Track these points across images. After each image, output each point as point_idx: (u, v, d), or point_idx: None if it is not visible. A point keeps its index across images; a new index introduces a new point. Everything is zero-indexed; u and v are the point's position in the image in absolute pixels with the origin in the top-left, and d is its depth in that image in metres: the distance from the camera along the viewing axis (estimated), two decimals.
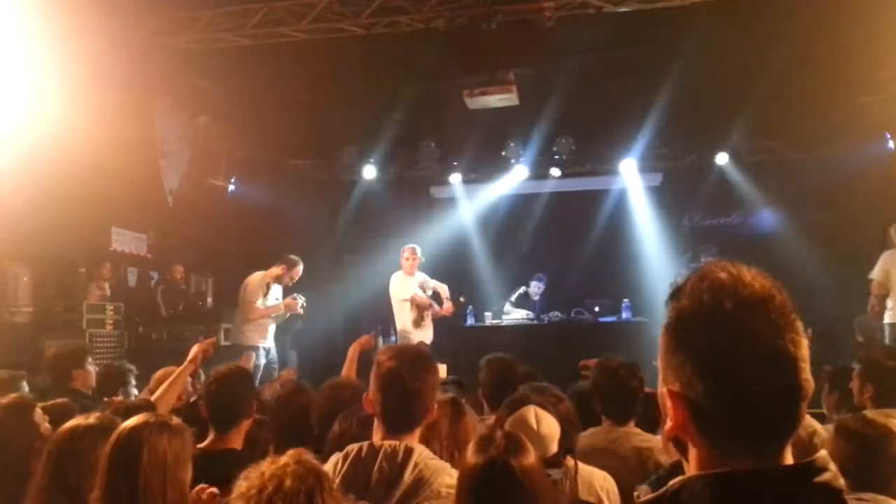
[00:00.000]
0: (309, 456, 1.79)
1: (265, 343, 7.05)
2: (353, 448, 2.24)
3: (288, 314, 7.15)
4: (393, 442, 2.22)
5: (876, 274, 6.09)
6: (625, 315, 8.93)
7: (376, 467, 2.17)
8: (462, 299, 8.61)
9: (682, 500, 1.02)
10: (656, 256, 9.59)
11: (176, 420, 2.30)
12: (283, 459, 1.74)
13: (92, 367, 4.85)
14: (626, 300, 9.07)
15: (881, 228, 6.20)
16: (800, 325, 1.03)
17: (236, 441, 3.03)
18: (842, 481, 1.00)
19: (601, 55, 7.15)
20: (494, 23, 5.49)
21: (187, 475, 2.22)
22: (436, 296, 7.77)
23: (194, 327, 8.04)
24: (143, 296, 8.78)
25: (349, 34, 6.11)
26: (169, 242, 8.72)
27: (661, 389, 1.09)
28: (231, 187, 9.21)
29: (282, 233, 8.34)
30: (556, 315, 9.27)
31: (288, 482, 1.67)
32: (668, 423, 1.07)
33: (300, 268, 7.06)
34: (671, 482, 1.06)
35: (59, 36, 5.54)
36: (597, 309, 9.26)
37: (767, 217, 9.56)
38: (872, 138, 7.90)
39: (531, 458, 1.93)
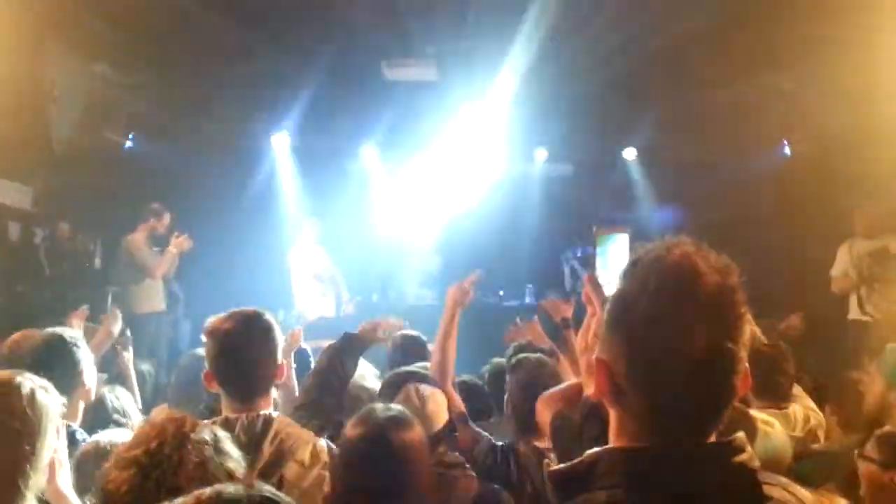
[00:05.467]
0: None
1: (160, 307, 6.74)
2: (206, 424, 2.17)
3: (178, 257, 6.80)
4: (251, 413, 2.13)
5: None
6: (528, 299, 9.10)
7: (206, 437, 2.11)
8: (359, 298, 8.55)
9: (599, 472, 1.00)
10: (562, 245, 9.81)
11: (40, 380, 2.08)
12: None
13: None
14: (529, 285, 9.26)
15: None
16: (746, 323, 0.99)
17: (70, 415, 2.79)
18: (757, 462, 1.00)
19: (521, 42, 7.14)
20: None
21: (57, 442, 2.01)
22: (333, 278, 7.66)
23: (79, 289, 7.64)
24: (25, 253, 8.21)
25: None
26: (57, 197, 8.14)
27: (595, 352, 1.06)
28: (128, 143, 8.67)
29: (181, 196, 7.94)
30: None
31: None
32: (593, 386, 1.07)
33: (167, 213, 6.79)
34: (588, 452, 1.03)
35: None
36: (501, 293, 9.38)
37: (668, 214, 9.91)
38: (771, 143, 8.31)
39: (412, 433, 1.93)
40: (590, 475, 1.01)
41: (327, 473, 2.12)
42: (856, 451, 2.48)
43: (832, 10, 5.51)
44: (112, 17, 6.24)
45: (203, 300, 8.81)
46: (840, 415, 3.37)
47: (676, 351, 0.95)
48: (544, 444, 2.62)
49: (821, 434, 3.27)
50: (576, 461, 1.04)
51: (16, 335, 3.84)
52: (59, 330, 2.95)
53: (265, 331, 2.26)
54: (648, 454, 0.98)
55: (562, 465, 1.06)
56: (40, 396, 1.99)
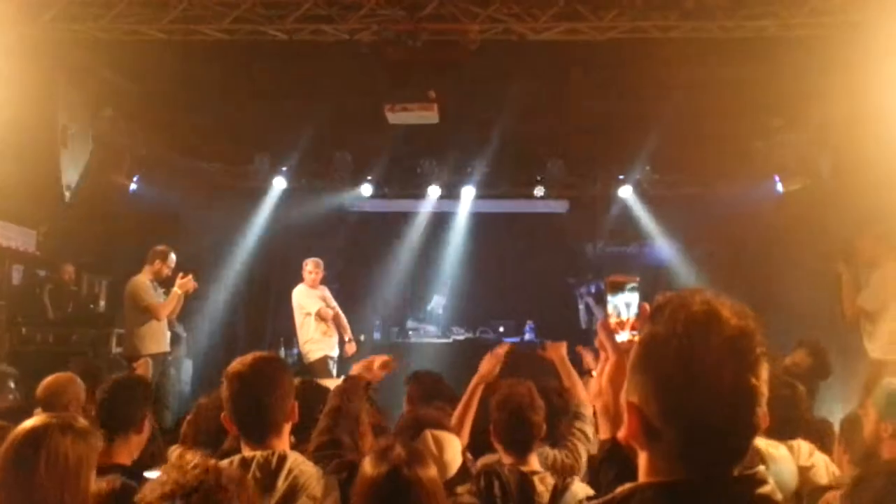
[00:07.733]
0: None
1: (164, 348, 6.78)
2: (224, 464, 2.18)
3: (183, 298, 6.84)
4: (266, 451, 2.22)
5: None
6: (528, 336, 9.15)
7: (249, 477, 2.13)
8: (363, 338, 8.56)
9: None
10: (561, 281, 9.91)
11: (82, 422, 2.18)
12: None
13: None
14: (529, 322, 9.31)
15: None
16: (765, 362, 1.06)
17: (123, 454, 2.86)
18: (779, 495, 1.07)
19: (518, 83, 7.36)
20: (420, 40, 5.53)
21: (90, 480, 2.10)
22: (336, 317, 7.66)
23: (84, 331, 7.66)
24: (28, 295, 8.24)
25: (270, 38, 5.99)
26: (62, 240, 8.22)
27: (623, 395, 1.13)
28: (133, 186, 8.80)
29: (185, 237, 8.04)
30: (460, 332, 9.42)
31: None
32: (623, 430, 1.12)
33: (172, 254, 6.80)
34: (619, 488, 1.10)
35: None
36: (501, 329, 9.44)
37: (663, 248, 10.05)
38: (763, 180, 8.48)
39: (431, 470, 1.99)
40: None
41: None
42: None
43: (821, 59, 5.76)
44: (119, 65, 6.42)
45: (206, 340, 8.89)
46: (852, 452, 3.32)
47: (705, 387, 1.02)
48: (528, 467, 2.69)
49: (834, 471, 3.23)
50: (609, 496, 1.10)
51: (48, 379, 3.87)
52: (131, 376, 3.10)
53: (276, 373, 2.32)
54: (680, 488, 1.04)
55: (595, 501, 1.12)
56: (78, 440, 2.09)
